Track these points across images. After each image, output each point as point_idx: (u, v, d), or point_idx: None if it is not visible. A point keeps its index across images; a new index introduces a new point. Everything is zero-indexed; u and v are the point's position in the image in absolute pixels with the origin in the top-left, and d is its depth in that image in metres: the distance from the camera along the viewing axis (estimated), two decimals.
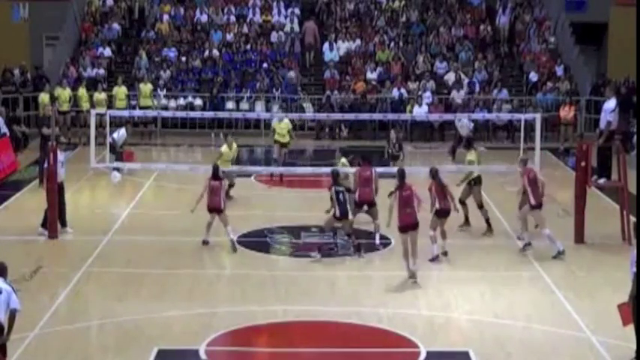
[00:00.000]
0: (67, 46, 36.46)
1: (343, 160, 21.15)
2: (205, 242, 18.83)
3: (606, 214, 21.31)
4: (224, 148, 23.09)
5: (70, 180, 24.50)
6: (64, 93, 31.53)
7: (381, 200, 18.96)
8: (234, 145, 23.46)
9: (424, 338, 13.98)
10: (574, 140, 28.74)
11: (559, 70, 34.92)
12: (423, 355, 13.42)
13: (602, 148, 20.11)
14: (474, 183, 20.29)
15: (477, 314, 15.20)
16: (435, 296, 16.10)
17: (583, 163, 19.29)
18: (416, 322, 14.79)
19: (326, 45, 36.21)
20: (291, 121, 26.17)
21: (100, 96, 31.52)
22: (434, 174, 18.05)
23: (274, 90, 34.08)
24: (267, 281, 16.81)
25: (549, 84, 33.97)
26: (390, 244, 19.36)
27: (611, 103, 19.83)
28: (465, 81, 34.01)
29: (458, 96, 33.11)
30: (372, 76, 34.74)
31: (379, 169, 20.21)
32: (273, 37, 36.81)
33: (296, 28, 37.35)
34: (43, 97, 30.65)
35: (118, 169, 24.71)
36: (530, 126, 27.31)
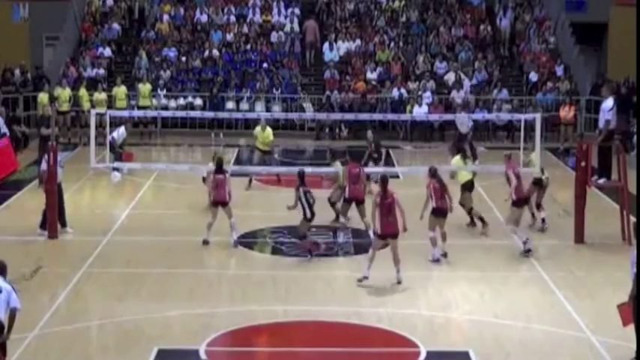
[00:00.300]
0: (67, 46, 36.46)
1: (336, 162, 21.03)
2: (206, 242, 18.84)
3: (606, 214, 21.31)
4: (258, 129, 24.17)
5: (70, 180, 24.55)
6: (64, 93, 31.51)
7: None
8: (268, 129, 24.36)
9: (424, 338, 13.98)
10: (574, 140, 28.73)
11: (559, 70, 34.92)
12: (423, 355, 13.43)
13: (602, 148, 20.11)
14: (465, 188, 20.41)
15: (476, 314, 15.21)
16: (435, 296, 16.11)
17: (583, 163, 19.29)
18: (416, 322, 14.80)
19: (326, 45, 36.20)
20: (292, 121, 26.16)
21: (100, 96, 31.51)
22: (433, 173, 18.07)
23: (274, 90, 34.09)
24: (267, 281, 16.82)
25: (549, 84, 33.97)
26: (390, 244, 19.33)
27: (608, 103, 19.83)
28: (466, 81, 33.99)
29: (458, 96, 33.11)
30: (372, 76, 34.74)
31: (380, 169, 20.24)
32: (273, 37, 36.80)
33: (296, 28, 37.34)
34: (43, 97, 30.62)
35: (117, 169, 24.75)
36: (530, 126, 27.30)
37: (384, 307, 15.43)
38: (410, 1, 38.17)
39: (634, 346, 12.82)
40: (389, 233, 16.32)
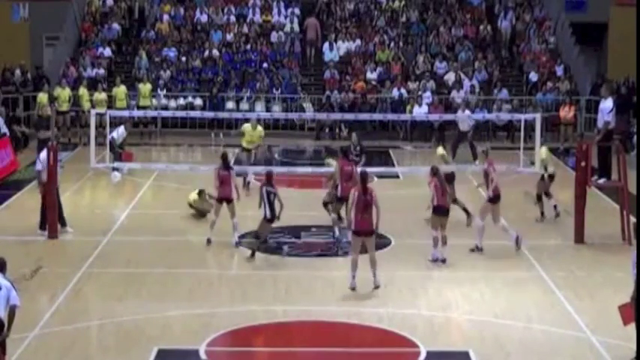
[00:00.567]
0: (67, 46, 36.47)
1: (329, 160, 20.97)
2: (209, 241, 18.82)
3: (606, 214, 21.31)
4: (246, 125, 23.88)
5: (70, 180, 24.57)
6: (64, 93, 31.50)
7: None
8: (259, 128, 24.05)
9: (424, 338, 13.98)
10: (574, 140, 28.73)
11: (559, 70, 34.93)
12: (423, 355, 13.42)
13: (602, 148, 20.11)
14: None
15: (477, 314, 15.20)
16: (435, 296, 16.11)
17: (583, 163, 19.29)
18: (416, 322, 14.79)
19: (326, 45, 36.22)
20: (292, 121, 26.04)
21: (100, 96, 31.51)
22: (435, 172, 17.97)
23: (274, 90, 34.09)
24: (267, 281, 16.81)
25: (549, 84, 33.98)
26: (390, 243, 19.37)
27: (608, 103, 19.82)
28: (466, 81, 33.99)
29: (458, 96, 33.11)
30: (372, 76, 34.75)
31: (381, 169, 20.26)
32: (273, 37, 36.82)
33: (296, 28, 37.36)
34: (42, 97, 30.61)
35: (117, 169, 24.75)
36: (530, 126, 27.31)
37: (384, 307, 15.42)
38: (410, 1, 38.18)
39: (634, 346, 12.81)
40: (363, 229, 15.95)
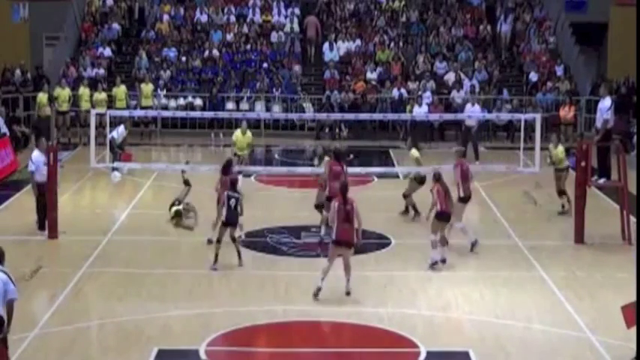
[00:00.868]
0: (67, 46, 36.48)
1: (326, 158, 20.84)
2: (210, 241, 18.79)
3: (606, 214, 21.31)
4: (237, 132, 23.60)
5: (70, 180, 24.59)
6: (64, 93, 31.50)
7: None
8: (248, 133, 23.78)
9: (424, 338, 13.98)
10: (574, 140, 28.75)
11: (559, 70, 34.93)
12: (423, 355, 13.42)
13: (601, 148, 20.12)
14: (415, 180, 20.82)
15: (476, 314, 15.20)
16: (435, 296, 16.10)
17: (583, 163, 19.28)
18: (416, 322, 14.79)
19: (326, 45, 36.23)
20: (292, 121, 25.99)
21: (100, 96, 31.51)
22: (437, 177, 17.86)
23: (274, 90, 34.10)
24: (267, 281, 16.81)
25: (549, 84, 33.98)
26: (390, 243, 19.37)
27: (606, 102, 19.82)
28: (466, 81, 33.99)
29: (458, 96, 33.12)
30: (372, 76, 34.75)
31: (381, 169, 20.26)
32: (273, 37, 36.82)
33: (296, 28, 37.37)
34: (42, 97, 30.61)
35: (117, 169, 24.76)
36: (530, 126, 27.33)
37: (384, 307, 15.42)
38: (410, 1, 38.18)
39: (634, 346, 12.80)
40: (343, 240, 15.61)
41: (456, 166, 19.22)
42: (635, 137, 29.43)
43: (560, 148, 21.62)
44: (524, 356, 13.50)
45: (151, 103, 32.38)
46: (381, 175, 24.73)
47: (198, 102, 33.73)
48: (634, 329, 12.75)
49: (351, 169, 21.63)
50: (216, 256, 17.31)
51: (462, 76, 34.41)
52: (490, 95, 33.70)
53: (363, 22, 37.69)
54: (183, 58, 35.70)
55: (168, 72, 34.87)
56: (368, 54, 36.10)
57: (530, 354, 13.56)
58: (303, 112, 33.22)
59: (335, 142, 31.25)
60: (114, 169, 24.77)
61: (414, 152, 21.41)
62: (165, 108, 33.04)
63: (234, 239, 17.46)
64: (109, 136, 24.13)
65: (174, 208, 20.65)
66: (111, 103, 31.76)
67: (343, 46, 36.35)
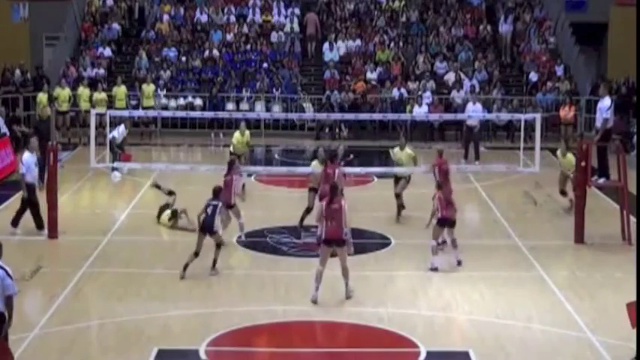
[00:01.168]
0: (67, 46, 36.48)
1: (314, 162, 20.81)
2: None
3: (606, 214, 21.31)
4: (236, 134, 23.58)
5: (70, 180, 24.60)
6: (64, 93, 31.51)
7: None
8: (247, 133, 23.76)
9: (424, 338, 13.97)
10: (574, 140, 28.75)
11: (559, 70, 34.93)
12: (423, 355, 13.41)
13: (601, 148, 20.12)
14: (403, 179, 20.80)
15: (476, 314, 15.20)
16: (435, 296, 16.10)
17: (583, 163, 19.28)
18: (416, 322, 14.79)
19: (326, 45, 36.23)
20: (292, 121, 25.95)
21: (100, 96, 31.51)
22: (439, 185, 17.88)
23: (274, 90, 34.10)
24: (267, 281, 16.81)
25: (549, 84, 33.98)
26: (390, 243, 19.37)
27: (606, 102, 19.82)
28: (466, 81, 34.00)
29: (458, 96, 33.12)
30: (372, 76, 34.76)
31: (380, 169, 20.25)
32: (273, 37, 36.84)
33: (296, 28, 37.38)
34: (42, 97, 30.62)
35: (117, 169, 24.77)
36: (530, 126, 27.32)
37: (384, 307, 15.42)
38: (410, 1, 38.19)
39: (634, 346, 12.80)
40: (332, 238, 15.47)
41: (434, 166, 19.31)
42: (635, 137, 29.42)
43: (570, 156, 21.67)
44: (524, 356, 13.49)
45: (153, 104, 32.39)
46: (381, 175, 24.72)
47: (198, 102, 33.74)
48: (634, 329, 12.75)
49: (351, 169, 21.67)
50: (186, 265, 16.78)
51: (462, 76, 34.41)
52: (490, 95, 33.68)
53: (363, 22, 37.70)
54: (183, 58, 35.71)
55: (168, 72, 34.88)
56: (368, 54, 36.11)
57: (530, 354, 13.56)
58: (303, 112, 33.22)
59: (335, 142, 31.33)
60: (114, 169, 24.77)
61: (398, 151, 21.17)
62: (166, 108, 33.04)
63: (218, 245, 17.08)
64: (109, 136, 24.12)
65: (167, 211, 20.61)
66: (111, 103, 31.77)
67: (343, 46, 36.36)
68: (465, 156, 28.47)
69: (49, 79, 33.38)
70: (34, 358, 13.17)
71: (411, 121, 32.09)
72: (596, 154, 20.13)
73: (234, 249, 18.74)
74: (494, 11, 38.56)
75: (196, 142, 31.96)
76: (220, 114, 30.35)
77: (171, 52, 35.82)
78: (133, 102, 32.60)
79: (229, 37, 36.83)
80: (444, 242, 17.99)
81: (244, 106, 33.74)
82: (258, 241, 19.59)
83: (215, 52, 35.81)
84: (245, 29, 37.22)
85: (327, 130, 33.42)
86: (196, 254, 16.84)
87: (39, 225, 19.58)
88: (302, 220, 19.89)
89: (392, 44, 36.32)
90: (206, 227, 16.92)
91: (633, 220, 19.71)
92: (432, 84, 34.10)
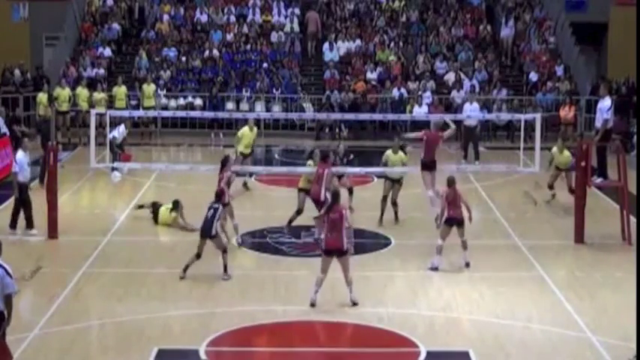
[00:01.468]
0: (67, 46, 36.48)
1: (310, 162, 20.80)
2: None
3: (606, 214, 21.32)
4: (245, 129, 23.70)
5: (70, 180, 24.59)
6: (64, 93, 31.50)
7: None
8: (255, 130, 23.95)
9: (424, 338, 13.97)
10: (574, 140, 28.75)
11: (559, 70, 34.93)
12: (423, 355, 13.42)
13: (600, 148, 20.12)
14: (395, 180, 20.72)
15: (476, 314, 15.20)
16: (435, 296, 16.10)
17: (583, 163, 19.28)
18: (416, 322, 14.79)
19: (326, 45, 36.24)
20: (292, 121, 25.94)
21: (99, 96, 31.51)
22: (450, 182, 17.65)
23: (274, 90, 34.11)
24: (267, 281, 16.81)
25: (549, 84, 33.98)
26: (390, 243, 19.37)
27: (606, 102, 19.82)
28: (466, 81, 33.99)
29: (458, 96, 33.12)
30: (372, 76, 34.76)
31: (380, 169, 20.24)
32: (273, 37, 36.84)
33: (296, 28, 37.39)
34: (42, 97, 30.62)
35: (117, 169, 24.76)
36: (530, 126, 27.32)
37: (384, 307, 15.42)
38: (410, 1, 38.19)
39: (634, 346, 12.81)
40: (332, 249, 15.34)
41: (423, 136, 19.91)
42: (635, 137, 29.42)
43: (567, 153, 21.74)
44: (524, 356, 13.49)
45: (154, 104, 32.39)
46: (381, 176, 24.70)
47: (199, 102, 33.74)
48: (633, 330, 12.76)
49: (351, 169, 21.68)
50: (187, 267, 16.74)
51: (462, 76, 34.41)
52: (491, 95, 33.67)
53: (363, 22, 37.70)
54: (183, 58, 35.72)
55: (168, 72, 34.88)
56: (368, 54, 36.11)
57: (530, 354, 13.56)
58: (303, 112, 33.22)
59: (334, 142, 31.34)
60: (114, 169, 24.77)
61: (391, 154, 21.07)
62: (166, 108, 33.04)
63: (224, 250, 16.96)
64: (109, 136, 24.12)
65: (163, 207, 20.59)
66: (111, 103, 31.77)
67: (343, 46, 36.36)
68: (465, 156, 28.50)
69: (49, 79, 33.38)
70: (34, 358, 13.17)
71: (411, 121, 32.04)
72: (596, 155, 20.13)
73: (233, 249, 18.72)
74: (494, 11, 38.54)
75: (196, 142, 31.96)
76: (220, 114, 30.36)
77: (171, 52, 35.82)
78: (133, 102, 32.60)
79: (229, 37, 36.83)
80: (436, 269, 17.69)
81: (244, 106, 33.74)
82: (258, 241, 19.60)
83: (215, 52, 35.81)
84: (245, 29, 37.22)
85: (327, 130, 33.42)
86: (198, 256, 16.80)
87: (29, 224, 19.52)
88: (290, 221, 19.83)
89: (392, 44, 36.32)
90: (205, 231, 16.84)
91: (633, 220, 19.71)
92: (432, 84, 34.10)
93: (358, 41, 36.55)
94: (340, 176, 21.23)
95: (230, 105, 33.63)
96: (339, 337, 14.59)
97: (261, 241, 19.62)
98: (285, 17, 37.74)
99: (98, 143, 22.53)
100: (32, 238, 19.35)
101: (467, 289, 16.47)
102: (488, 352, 13.54)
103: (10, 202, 22.86)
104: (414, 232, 19.95)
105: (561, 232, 20.15)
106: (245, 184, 23.81)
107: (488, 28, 37.33)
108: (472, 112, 28.92)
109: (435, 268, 17.42)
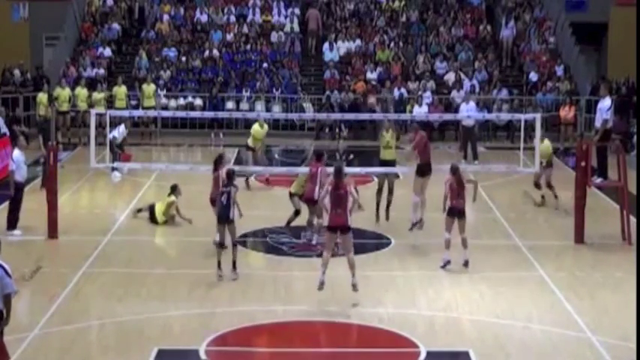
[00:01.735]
0: (67, 46, 36.48)
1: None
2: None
3: (606, 214, 21.32)
4: (256, 126, 24.39)
5: (70, 180, 24.60)
6: (64, 93, 31.51)
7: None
8: (265, 126, 24.62)
9: (424, 338, 13.97)
10: (574, 140, 28.75)
11: (559, 70, 34.93)
12: (423, 355, 13.41)
13: (600, 148, 20.12)
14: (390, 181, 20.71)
15: (476, 314, 15.20)
16: (435, 296, 16.10)
17: (583, 163, 19.28)
18: (416, 322, 14.79)
19: (326, 45, 36.24)
20: (292, 121, 26.00)
21: (99, 96, 31.52)
22: (454, 170, 17.49)
23: (274, 90, 34.11)
24: (267, 281, 16.81)
25: (549, 84, 33.98)
26: (390, 243, 19.37)
27: (606, 102, 19.82)
28: (466, 81, 34.00)
29: (458, 96, 33.12)
30: (372, 76, 34.76)
31: (380, 169, 20.25)
32: (273, 37, 36.84)
33: (296, 27, 37.39)
34: (42, 97, 30.63)
35: (117, 169, 24.76)
36: (530, 126, 27.32)
37: (384, 307, 15.42)
38: (410, 1, 38.19)
39: (634, 346, 12.82)
40: (338, 225, 15.34)
41: (414, 137, 19.76)
42: (635, 137, 29.42)
43: (547, 142, 21.73)
44: (524, 356, 13.50)
45: (154, 104, 32.39)
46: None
47: (199, 102, 33.73)
48: (633, 330, 12.77)
49: (351, 169, 21.66)
50: (219, 262, 16.76)
51: (462, 76, 34.41)
52: (491, 95, 33.68)
53: (363, 22, 37.70)
54: (183, 58, 35.72)
55: (168, 72, 34.88)
56: (368, 54, 36.11)
57: (530, 354, 13.56)
58: (303, 112, 33.22)
59: (334, 142, 31.37)
60: (114, 169, 24.77)
61: (385, 134, 21.10)
62: (166, 108, 33.04)
63: (234, 244, 16.88)
64: (109, 136, 24.11)
65: (159, 203, 20.64)
66: (111, 103, 31.77)
67: (343, 46, 36.36)
68: (464, 156, 28.51)
69: (49, 79, 33.39)
70: (34, 358, 13.17)
71: (411, 121, 32.00)
72: (596, 155, 20.14)
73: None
74: (494, 11, 38.53)
75: (196, 142, 31.95)
76: (220, 114, 30.37)
77: (171, 52, 35.82)
78: (133, 102, 32.60)
79: (229, 37, 36.83)
80: (449, 262, 17.67)
81: (244, 106, 33.74)
82: (258, 241, 19.60)
83: (215, 52, 35.81)
84: (245, 29, 37.22)
85: (327, 130, 33.42)
86: (221, 245, 16.74)
87: (11, 224, 19.49)
88: (289, 222, 19.86)
89: (392, 44, 36.32)
90: (223, 217, 16.69)
91: (633, 220, 19.71)
92: (432, 84, 34.11)
93: (358, 41, 36.55)
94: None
95: (230, 105, 33.63)
96: (339, 337, 14.58)
97: (261, 241, 19.62)
98: (285, 17, 37.74)
99: (98, 143, 22.52)
100: (31, 238, 19.32)
101: (467, 289, 16.47)
102: (488, 352, 13.54)
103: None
104: (414, 232, 19.92)
105: (561, 232, 20.15)
106: (247, 181, 23.94)
107: (488, 28, 37.34)
108: (469, 112, 28.91)
109: (447, 262, 17.37)
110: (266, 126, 25.03)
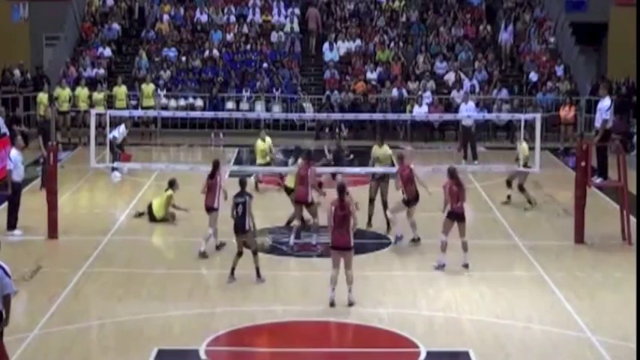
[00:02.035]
0: (67, 46, 36.48)
1: (299, 161, 20.73)
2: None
3: (606, 214, 21.32)
4: (258, 141, 23.89)
5: (70, 180, 24.60)
6: (64, 93, 31.52)
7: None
8: (268, 139, 24.04)
9: (424, 338, 13.98)
10: (574, 140, 28.75)
11: (559, 70, 34.92)
12: (423, 355, 13.42)
13: (600, 148, 20.12)
14: (380, 179, 20.33)
15: (477, 314, 15.20)
16: (435, 296, 16.10)
17: (583, 163, 19.28)
18: (416, 322, 14.79)
19: (326, 45, 36.23)
20: (292, 121, 25.93)
21: (99, 96, 31.52)
22: (451, 173, 17.52)
23: (274, 90, 34.10)
24: (267, 281, 16.80)
25: (549, 84, 33.97)
26: (390, 243, 19.37)
27: (606, 102, 19.81)
28: (466, 81, 33.99)
29: (458, 96, 33.11)
30: (372, 76, 34.75)
31: (380, 169, 20.24)
32: (273, 37, 36.84)
33: (296, 27, 37.39)
34: (42, 97, 30.64)
35: (117, 169, 24.76)
36: (530, 126, 27.31)
37: (384, 307, 15.42)
38: (410, 1, 38.19)
39: (634, 346, 12.82)
40: (340, 246, 15.34)
41: (398, 172, 19.18)
42: (635, 137, 29.42)
43: (525, 145, 21.75)
44: (524, 356, 13.50)
45: (153, 103, 32.39)
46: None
47: (199, 103, 33.71)
48: (633, 330, 12.77)
49: (351, 169, 21.66)
50: (233, 269, 16.61)
51: (462, 76, 34.41)
52: (491, 95, 33.67)
53: (363, 22, 37.70)
54: (183, 58, 35.72)
55: (168, 72, 34.87)
56: (368, 54, 36.10)
57: (530, 354, 13.56)
58: (303, 112, 33.21)
59: (334, 142, 31.34)
60: (114, 169, 24.77)
61: (377, 149, 20.98)
62: (166, 108, 33.04)
63: (255, 253, 16.71)
64: (109, 136, 24.11)
65: (157, 199, 20.64)
66: (111, 103, 31.77)
67: (343, 46, 36.36)
68: (464, 157, 28.52)
69: (49, 79, 33.39)
70: (34, 358, 13.17)
71: (411, 121, 32.06)
72: (596, 155, 20.13)
73: (233, 249, 18.69)
74: (494, 11, 38.52)
75: (196, 142, 31.95)
76: (220, 114, 30.36)
77: (171, 52, 35.82)
78: (133, 102, 32.59)
79: (229, 37, 36.83)
80: (443, 266, 17.58)
81: (244, 106, 33.74)
82: (258, 241, 19.56)
83: (215, 52, 35.81)
84: (245, 29, 37.22)
85: (327, 130, 33.41)
86: (239, 254, 16.67)
87: (10, 224, 19.50)
88: (289, 222, 19.86)
89: (392, 44, 36.32)
90: (239, 227, 16.60)
91: (633, 220, 19.71)
92: (432, 84, 34.10)
93: (358, 41, 36.54)
94: (334, 175, 21.25)
95: (230, 105, 33.62)
96: (339, 337, 14.59)
97: (261, 241, 19.60)
98: (285, 17, 37.74)
99: (98, 143, 22.53)
100: (31, 238, 19.32)
101: (467, 289, 16.47)
102: (488, 352, 13.55)
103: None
104: (414, 232, 19.91)
105: (561, 232, 20.15)
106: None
107: (489, 28, 37.32)
108: (468, 112, 28.89)
109: (442, 266, 17.38)
110: (268, 139, 24.28)
